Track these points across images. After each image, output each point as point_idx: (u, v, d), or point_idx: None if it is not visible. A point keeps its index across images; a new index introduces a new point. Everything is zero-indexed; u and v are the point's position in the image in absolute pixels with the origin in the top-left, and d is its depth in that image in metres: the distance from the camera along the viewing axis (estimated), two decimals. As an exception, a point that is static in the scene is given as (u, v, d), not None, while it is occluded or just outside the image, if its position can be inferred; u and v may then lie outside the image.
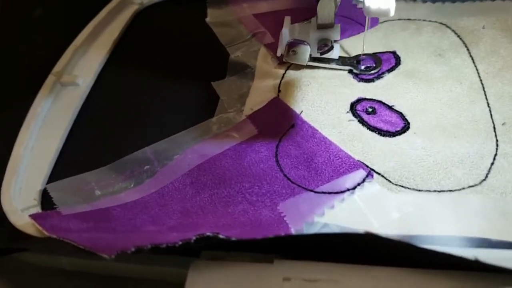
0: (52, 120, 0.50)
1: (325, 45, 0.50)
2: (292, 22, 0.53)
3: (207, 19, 0.61)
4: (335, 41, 0.50)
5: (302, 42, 0.50)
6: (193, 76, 0.54)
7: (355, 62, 0.50)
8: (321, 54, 0.50)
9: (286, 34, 0.51)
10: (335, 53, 0.50)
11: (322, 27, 0.50)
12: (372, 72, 0.50)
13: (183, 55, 0.57)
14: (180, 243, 0.31)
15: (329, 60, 0.50)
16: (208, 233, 0.33)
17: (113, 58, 0.58)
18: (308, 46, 0.50)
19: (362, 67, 0.50)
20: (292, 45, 0.50)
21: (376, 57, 0.51)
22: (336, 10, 0.49)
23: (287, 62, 0.51)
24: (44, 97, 0.51)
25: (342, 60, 0.51)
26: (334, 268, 0.30)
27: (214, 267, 0.31)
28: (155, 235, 0.35)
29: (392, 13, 0.39)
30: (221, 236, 0.33)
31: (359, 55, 0.51)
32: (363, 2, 0.40)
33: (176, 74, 0.54)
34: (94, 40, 0.59)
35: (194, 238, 0.32)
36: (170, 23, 0.62)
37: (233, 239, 0.33)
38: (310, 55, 0.50)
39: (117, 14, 0.62)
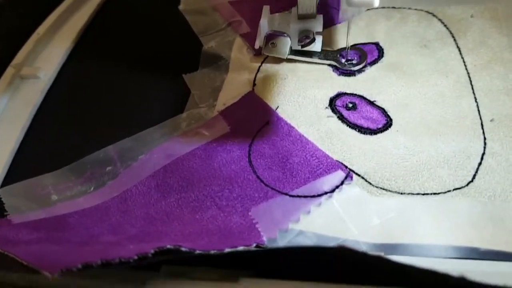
0: (10, 116, 0.47)
1: (306, 37, 0.47)
2: (272, 11, 0.50)
3: (180, 6, 0.57)
4: (317, 32, 0.47)
5: (281, 34, 0.47)
6: (163, 68, 0.50)
7: (338, 56, 0.47)
8: (302, 46, 0.47)
9: (264, 25, 0.48)
10: (317, 46, 0.47)
11: (304, 17, 0.47)
12: (358, 67, 0.46)
13: (154, 46, 0.53)
14: (136, 257, 0.28)
15: (311, 54, 0.47)
16: (168, 246, 0.30)
17: (78, 49, 0.54)
18: (288, 38, 0.46)
19: (346, 62, 0.47)
20: (271, 37, 0.47)
21: (361, 51, 0.48)
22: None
23: (263, 53, 0.48)
24: (2, 91, 0.48)
25: (324, 54, 0.47)
26: None
27: (173, 285, 0.28)
28: (111, 247, 0.32)
29: (377, 4, 0.36)
30: (183, 249, 0.30)
31: (343, 48, 0.48)
32: None
33: (145, 66, 0.51)
34: (58, 30, 0.55)
35: (152, 251, 0.29)
36: (141, 11, 0.59)
37: (197, 252, 0.30)
38: (291, 47, 0.47)
39: (84, 1, 0.58)
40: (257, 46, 0.48)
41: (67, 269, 0.27)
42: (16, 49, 0.52)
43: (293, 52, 0.47)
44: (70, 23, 0.56)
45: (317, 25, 0.47)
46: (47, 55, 0.52)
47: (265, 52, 0.47)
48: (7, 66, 0.50)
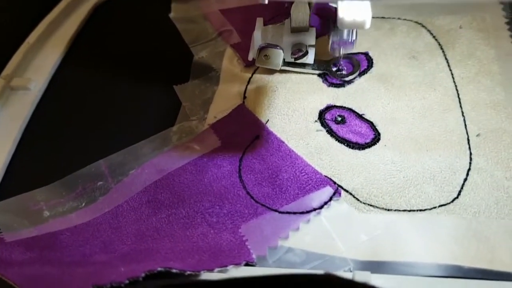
0: (0, 129, 0.46)
1: (299, 50, 0.47)
2: (265, 22, 0.49)
3: (171, 14, 0.57)
4: (310, 45, 0.47)
5: (274, 46, 0.47)
6: (154, 79, 0.50)
7: (331, 66, 0.48)
8: (295, 59, 0.47)
9: (258, 37, 0.47)
10: (310, 58, 0.47)
11: (296, 30, 0.47)
12: (350, 77, 0.47)
13: (144, 55, 0.53)
14: (127, 281, 0.29)
15: (304, 65, 0.47)
16: (159, 268, 0.30)
17: (69, 58, 0.54)
18: (281, 51, 0.46)
19: (339, 72, 0.47)
20: (264, 50, 0.47)
21: (353, 60, 0.48)
22: (311, 13, 0.45)
23: (254, 64, 0.48)
24: (-8, 103, 0.48)
25: (318, 64, 0.48)
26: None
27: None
28: (102, 269, 0.32)
29: (367, 26, 0.36)
30: (174, 271, 0.30)
31: (336, 58, 0.48)
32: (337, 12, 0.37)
33: (136, 76, 0.51)
34: (48, 38, 0.55)
35: (143, 275, 0.29)
36: (131, 19, 0.59)
37: (187, 273, 0.31)
38: (284, 59, 0.47)
39: (73, 9, 0.58)
40: (250, 58, 0.48)
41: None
42: (6, 59, 0.51)
43: (286, 63, 0.47)
44: (60, 31, 0.56)
45: (310, 38, 0.47)
46: (37, 65, 0.52)
47: (258, 64, 0.47)
48: (-3, 77, 0.50)
